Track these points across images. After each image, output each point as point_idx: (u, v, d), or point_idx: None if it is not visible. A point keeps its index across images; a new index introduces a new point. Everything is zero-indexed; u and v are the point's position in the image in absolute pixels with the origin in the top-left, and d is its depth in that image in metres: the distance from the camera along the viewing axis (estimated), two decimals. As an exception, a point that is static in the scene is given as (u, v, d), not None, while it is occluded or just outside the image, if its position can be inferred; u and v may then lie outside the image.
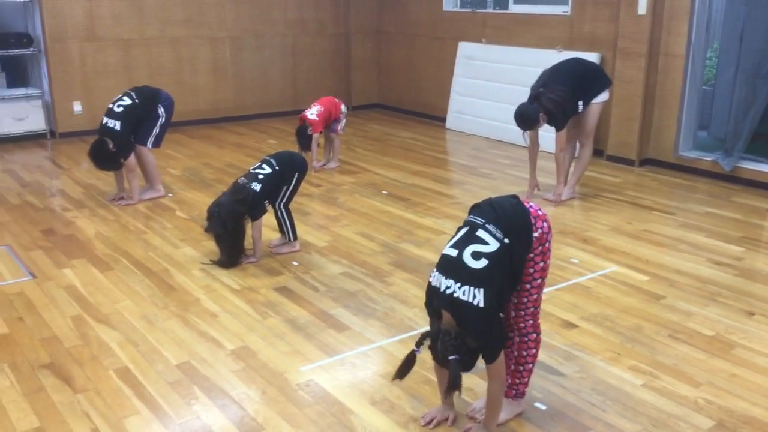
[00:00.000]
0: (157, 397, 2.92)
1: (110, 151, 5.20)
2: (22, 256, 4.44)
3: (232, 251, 4.22)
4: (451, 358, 2.35)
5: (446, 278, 2.42)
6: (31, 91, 7.62)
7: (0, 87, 7.60)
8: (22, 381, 3.05)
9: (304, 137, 6.23)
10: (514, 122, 5.24)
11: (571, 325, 3.54)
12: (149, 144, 5.48)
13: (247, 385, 3.02)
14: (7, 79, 7.69)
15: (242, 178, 4.29)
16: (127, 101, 5.30)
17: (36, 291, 3.94)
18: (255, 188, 4.19)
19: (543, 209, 2.65)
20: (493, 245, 2.43)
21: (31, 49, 7.49)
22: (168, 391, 2.97)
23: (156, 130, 5.47)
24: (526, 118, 5.14)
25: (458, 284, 2.38)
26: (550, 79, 5.18)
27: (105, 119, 5.25)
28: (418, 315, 3.60)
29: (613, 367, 3.16)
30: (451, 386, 2.39)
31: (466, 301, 2.36)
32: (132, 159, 5.34)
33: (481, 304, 2.35)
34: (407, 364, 2.51)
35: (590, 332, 3.48)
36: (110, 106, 5.32)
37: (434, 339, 2.42)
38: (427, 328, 2.53)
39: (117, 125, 5.19)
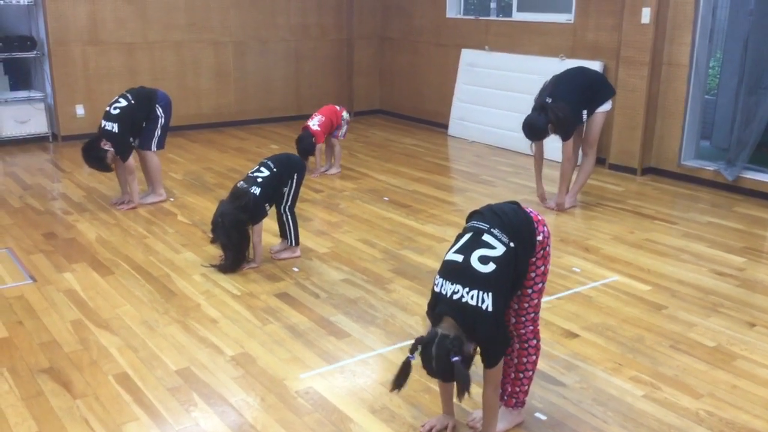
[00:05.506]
0: (156, 404, 2.91)
1: (98, 151, 5.21)
2: (23, 259, 4.44)
3: (236, 258, 4.24)
4: (455, 359, 2.32)
5: (452, 284, 2.40)
6: (33, 93, 7.63)
7: (3, 89, 7.61)
8: (20, 385, 3.04)
9: (303, 143, 6.23)
10: (516, 130, 5.25)
11: (573, 335, 3.53)
12: (153, 147, 5.48)
13: (246, 391, 3.01)
14: (10, 82, 7.69)
15: (241, 182, 4.29)
16: (123, 103, 5.30)
17: (36, 295, 3.94)
18: (255, 192, 4.19)
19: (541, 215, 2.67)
20: (499, 249, 2.43)
21: (35, 52, 7.49)
22: (167, 397, 2.96)
23: (158, 132, 5.46)
24: (534, 129, 5.15)
25: (466, 289, 2.37)
26: (555, 90, 5.17)
27: (103, 122, 5.26)
28: (418, 323, 3.59)
29: (614, 377, 3.15)
30: (462, 388, 2.33)
31: (475, 306, 2.35)
32: (131, 161, 5.34)
33: (490, 309, 2.35)
34: (403, 373, 2.45)
35: (591, 342, 3.46)
36: (107, 108, 5.32)
37: (427, 343, 2.36)
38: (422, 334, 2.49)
39: (114, 127, 5.20)
